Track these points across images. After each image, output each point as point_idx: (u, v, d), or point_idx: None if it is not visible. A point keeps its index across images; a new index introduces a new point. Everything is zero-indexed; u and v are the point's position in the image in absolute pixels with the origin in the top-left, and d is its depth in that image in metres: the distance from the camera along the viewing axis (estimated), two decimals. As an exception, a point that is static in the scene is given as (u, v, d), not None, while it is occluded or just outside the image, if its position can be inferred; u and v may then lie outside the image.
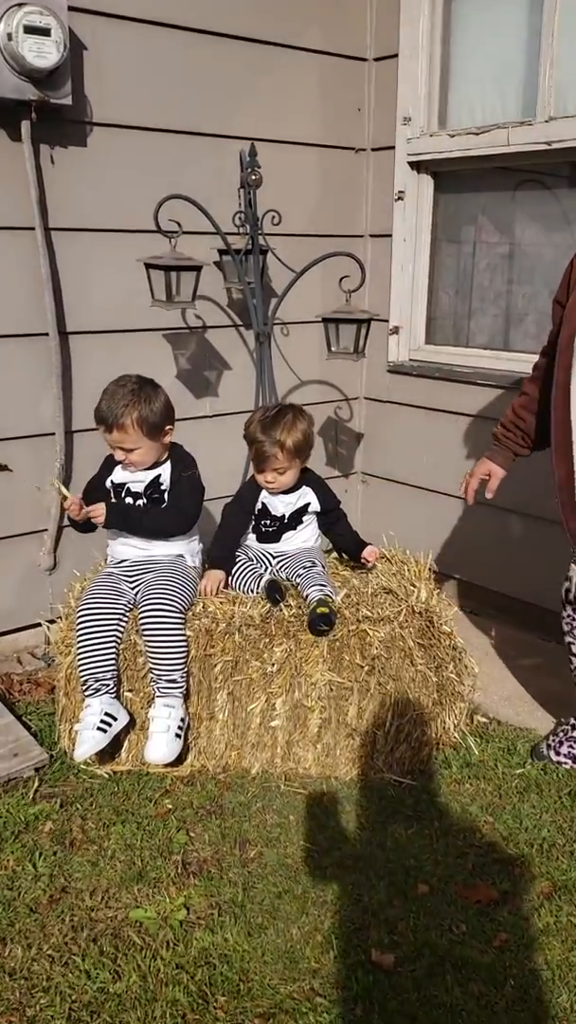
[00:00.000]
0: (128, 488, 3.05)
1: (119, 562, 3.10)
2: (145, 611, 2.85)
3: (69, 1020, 2.07)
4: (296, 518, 3.19)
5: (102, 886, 2.49)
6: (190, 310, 3.77)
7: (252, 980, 2.17)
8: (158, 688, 2.85)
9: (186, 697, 2.91)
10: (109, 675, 2.87)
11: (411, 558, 3.37)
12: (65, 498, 2.99)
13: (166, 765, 2.90)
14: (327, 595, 2.93)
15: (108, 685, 2.87)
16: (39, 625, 3.73)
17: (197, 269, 3.31)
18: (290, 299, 3.64)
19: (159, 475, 3.03)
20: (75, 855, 2.60)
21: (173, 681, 2.84)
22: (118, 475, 3.06)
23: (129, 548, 3.08)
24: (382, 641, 2.89)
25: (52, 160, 3.37)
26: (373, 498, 4.61)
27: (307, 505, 3.18)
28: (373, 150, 4.22)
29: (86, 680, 2.85)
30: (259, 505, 3.16)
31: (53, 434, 3.57)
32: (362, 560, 3.21)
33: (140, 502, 3.04)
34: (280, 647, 2.92)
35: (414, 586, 3.11)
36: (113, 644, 2.89)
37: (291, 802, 2.86)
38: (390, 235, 4.19)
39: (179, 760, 2.92)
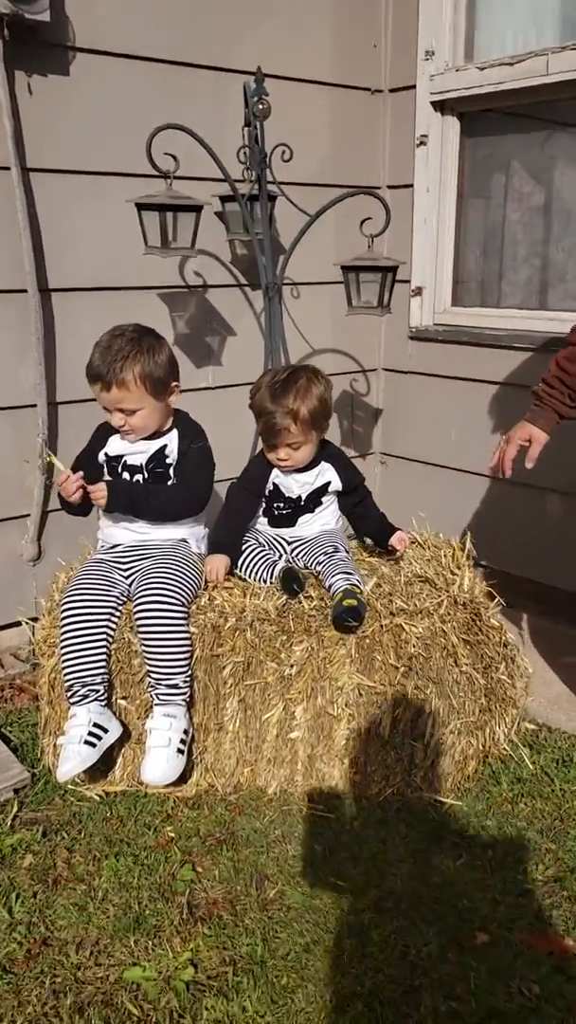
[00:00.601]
0: (126, 462, 2.61)
1: (112, 547, 2.66)
2: (141, 603, 2.41)
3: None
4: (314, 499, 2.75)
5: (91, 937, 2.05)
6: (190, 262, 3.34)
7: (277, 1064, 1.73)
8: (157, 695, 2.41)
9: (190, 706, 2.48)
10: (99, 680, 2.44)
11: (448, 543, 2.93)
12: (58, 473, 2.53)
13: (167, 785, 2.46)
14: (354, 584, 2.49)
15: (98, 692, 2.44)
16: (21, 623, 3.28)
17: (197, 209, 2.86)
18: (300, 257, 3.20)
19: (164, 445, 2.60)
20: (59, 896, 2.17)
21: (175, 687, 2.40)
22: (114, 446, 2.62)
23: (124, 531, 2.64)
24: (420, 638, 2.45)
25: (29, 89, 2.93)
26: (393, 480, 4.16)
27: (327, 484, 2.74)
28: (391, 91, 3.78)
29: (72, 686, 2.42)
30: (270, 486, 2.72)
31: (34, 405, 3.13)
32: (389, 548, 2.76)
33: (139, 478, 2.60)
34: (300, 646, 2.47)
35: (454, 574, 2.67)
36: (104, 643, 2.45)
37: (316, 828, 2.42)
38: (411, 185, 3.75)
39: (182, 779, 2.48)
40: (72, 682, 2.41)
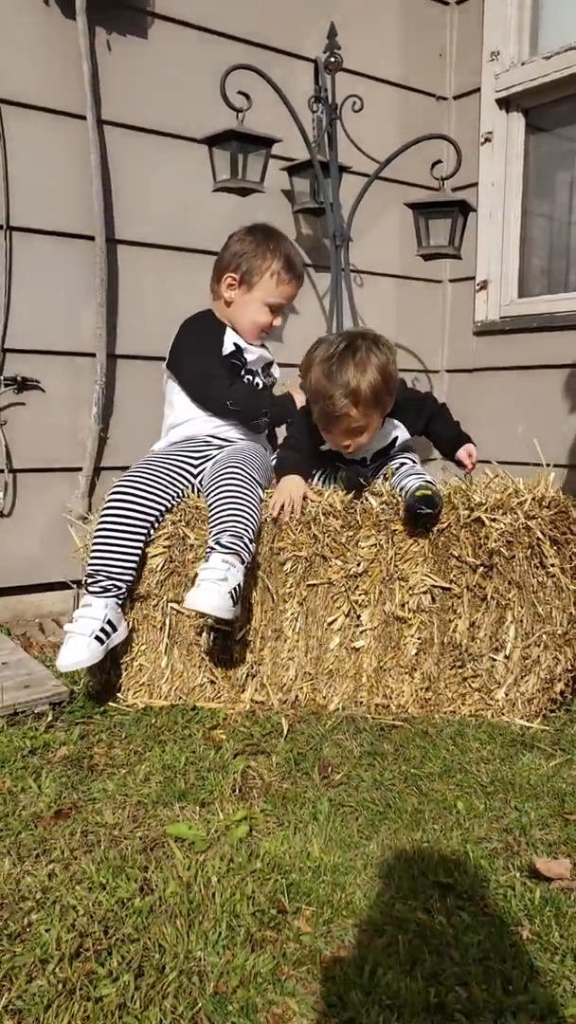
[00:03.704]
0: (247, 363, 2.55)
1: (183, 440, 2.50)
2: (221, 473, 2.26)
3: (72, 931, 1.33)
4: (382, 453, 2.51)
5: (130, 803, 1.77)
6: (255, 191, 3.28)
7: (350, 893, 1.43)
8: (218, 543, 2.13)
9: (247, 573, 2.18)
10: (127, 576, 2.22)
11: (522, 481, 2.72)
12: None
13: (216, 622, 2.20)
14: (428, 482, 2.29)
15: (120, 589, 2.21)
16: (68, 587, 3.10)
17: (268, 144, 2.86)
18: (364, 247, 3.15)
19: (272, 360, 2.63)
20: (96, 779, 1.90)
21: (239, 537, 2.13)
22: (227, 347, 2.51)
23: (205, 424, 2.50)
24: (502, 533, 2.22)
25: (108, 46, 3.02)
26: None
27: (394, 440, 2.51)
28: (455, 98, 3.86)
29: (96, 573, 2.19)
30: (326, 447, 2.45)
31: (94, 355, 3.05)
32: (456, 461, 2.56)
33: (258, 381, 2.57)
34: (367, 542, 2.26)
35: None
36: (144, 540, 2.25)
37: (385, 734, 2.13)
38: (476, 183, 3.76)
39: (230, 628, 2.23)
40: (99, 569, 2.20)
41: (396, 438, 2.52)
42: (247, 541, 2.14)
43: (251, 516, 2.18)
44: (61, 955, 1.28)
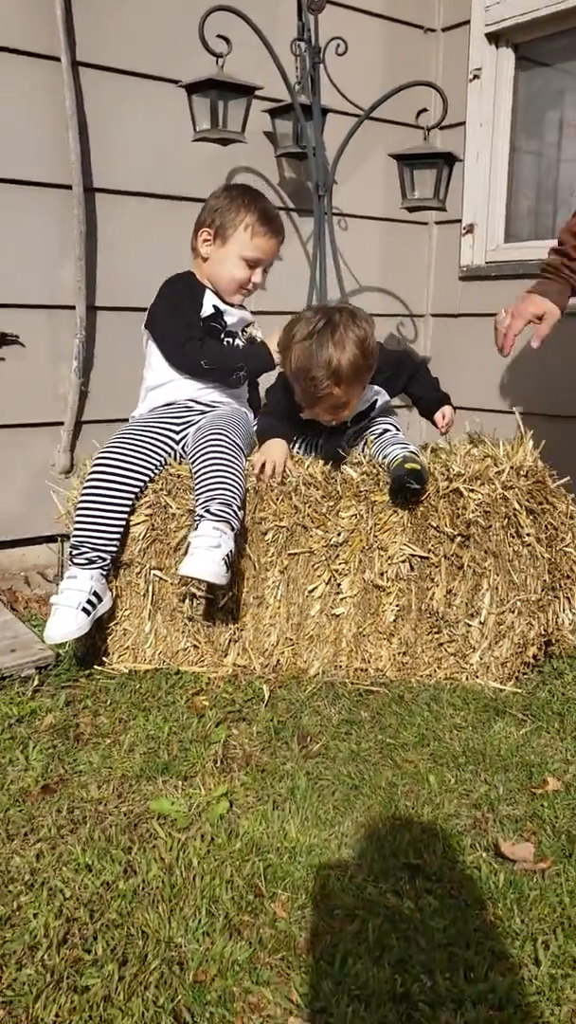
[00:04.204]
0: (226, 325, 2.55)
1: (164, 405, 2.50)
2: (205, 439, 2.28)
3: (59, 917, 1.40)
4: (361, 417, 2.50)
5: (115, 776, 1.84)
6: (237, 178, 3.25)
7: (324, 876, 1.50)
8: (208, 510, 2.15)
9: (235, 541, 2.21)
10: (112, 547, 2.25)
11: (503, 441, 2.73)
12: None
13: (210, 587, 2.25)
14: (413, 453, 2.31)
15: (105, 560, 2.24)
16: (52, 540, 3.12)
17: (248, 92, 2.78)
18: (350, 188, 3.09)
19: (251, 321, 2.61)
20: (81, 749, 1.96)
21: (228, 504, 2.16)
22: (206, 309, 2.51)
23: (185, 386, 2.49)
24: (480, 504, 2.25)
25: (82, -18, 2.90)
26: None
27: (374, 403, 2.49)
28: (444, 30, 3.74)
29: (81, 544, 2.22)
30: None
31: (73, 307, 3.02)
32: (434, 422, 2.57)
33: (238, 342, 2.57)
34: (348, 512, 2.29)
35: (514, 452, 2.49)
36: (128, 510, 2.27)
37: (363, 700, 2.20)
38: (463, 123, 3.67)
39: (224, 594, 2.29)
40: (84, 541, 2.22)
41: (376, 401, 2.51)
42: (235, 508, 2.17)
43: (238, 483, 2.21)
44: (49, 942, 1.35)
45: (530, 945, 1.34)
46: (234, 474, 2.21)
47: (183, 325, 2.44)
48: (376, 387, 2.46)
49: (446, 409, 2.55)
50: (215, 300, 2.50)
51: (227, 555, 2.10)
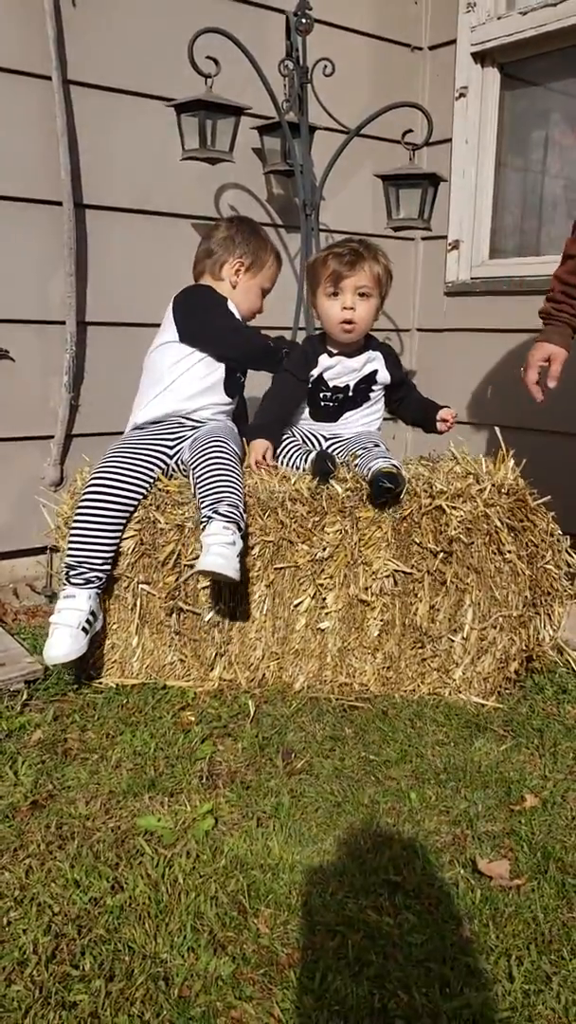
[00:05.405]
0: None
1: (154, 422, 2.54)
2: (202, 449, 2.35)
3: (48, 933, 1.44)
4: (362, 392, 2.63)
5: (103, 792, 1.87)
6: (226, 194, 3.30)
7: (306, 892, 1.54)
8: (216, 511, 2.21)
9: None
10: (108, 566, 2.30)
11: (484, 459, 2.78)
12: None
13: (184, 610, 2.29)
14: (393, 464, 2.36)
15: (101, 579, 2.29)
16: (41, 552, 3.16)
17: (237, 112, 2.82)
18: (335, 205, 3.13)
19: None
20: (69, 764, 1.99)
21: (235, 507, 2.22)
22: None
23: (184, 401, 2.54)
24: (462, 521, 2.30)
25: (74, 2, 2.93)
26: (428, 446, 4.03)
27: (374, 373, 2.62)
28: (431, 48, 3.79)
29: (79, 564, 2.26)
30: (317, 371, 2.58)
31: (63, 322, 3.05)
32: (437, 423, 2.66)
33: None
34: (333, 527, 2.34)
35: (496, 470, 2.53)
36: (123, 528, 2.32)
37: (347, 716, 2.24)
38: (449, 140, 3.72)
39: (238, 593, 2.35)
40: (81, 561, 2.26)
41: (376, 371, 2.63)
42: (241, 511, 2.23)
43: (240, 489, 2.29)
44: (39, 958, 1.39)
45: (504, 961, 1.38)
46: (237, 479, 2.29)
47: (233, 319, 2.58)
48: (379, 354, 2.63)
49: (452, 410, 2.68)
50: (235, 310, 2.63)
51: (240, 552, 2.17)
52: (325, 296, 2.51)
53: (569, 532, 2.73)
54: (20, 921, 1.48)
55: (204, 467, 2.31)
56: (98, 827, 1.75)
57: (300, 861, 1.62)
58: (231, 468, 2.31)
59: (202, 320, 2.54)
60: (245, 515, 2.27)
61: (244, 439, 2.55)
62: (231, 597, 2.37)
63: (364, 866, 1.61)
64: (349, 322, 2.48)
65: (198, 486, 2.29)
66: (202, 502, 2.26)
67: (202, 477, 2.29)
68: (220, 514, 2.20)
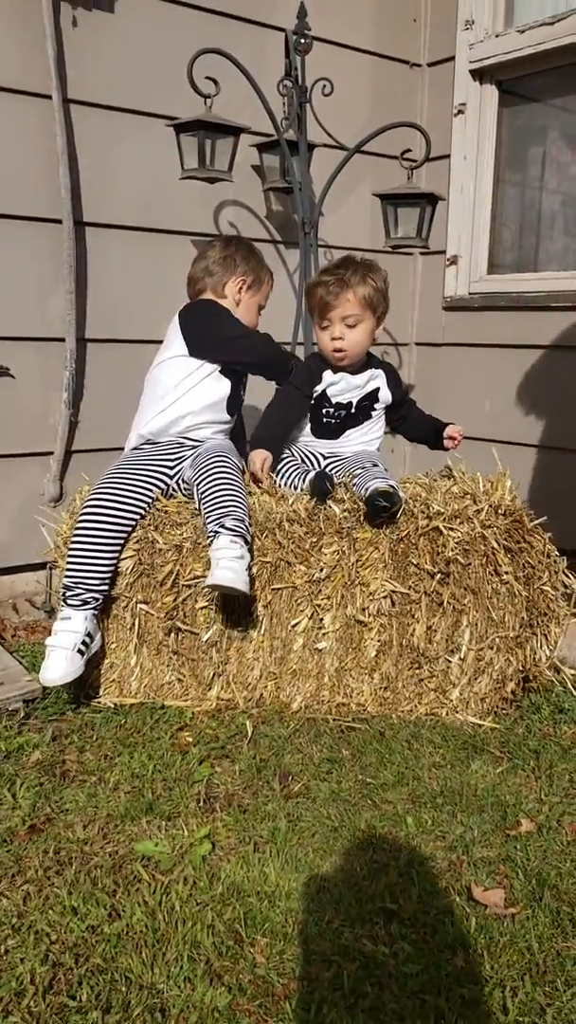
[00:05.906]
0: None
1: (153, 443, 2.55)
2: (205, 465, 2.37)
3: (46, 963, 1.45)
4: (364, 410, 2.65)
5: (100, 816, 1.88)
6: (225, 211, 3.32)
7: (302, 920, 1.55)
8: (222, 525, 2.23)
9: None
10: (105, 588, 2.31)
11: (481, 477, 2.79)
12: None
13: (182, 630, 2.30)
14: (391, 484, 2.36)
15: (98, 600, 2.30)
16: (41, 568, 3.16)
17: (235, 132, 2.84)
18: (333, 221, 3.15)
19: None
20: (67, 787, 2.00)
21: (241, 520, 2.25)
22: None
23: (187, 417, 2.55)
24: (459, 542, 2.31)
25: (74, 22, 2.95)
26: (426, 462, 4.04)
27: (376, 391, 2.64)
28: (429, 65, 3.80)
29: (76, 586, 2.27)
30: (320, 387, 2.61)
31: (63, 339, 3.06)
32: (444, 441, 2.70)
33: None
34: (330, 548, 2.35)
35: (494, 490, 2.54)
36: (120, 550, 2.33)
37: (344, 737, 2.25)
38: (448, 156, 3.73)
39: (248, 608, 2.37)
40: (78, 582, 2.27)
41: (379, 389, 2.67)
42: (247, 525, 2.26)
43: (245, 503, 2.32)
44: (36, 988, 1.39)
45: (499, 992, 1.39)
46: (240, 493, 2.32)
47: (245, 326, 2.60)
48: (381, 372, 2.67)
49: (458, 427, 2.73)
50: None
51: (248, 568, 2.19)
52: (317, 325, 2.57)
53: (568, 548, 2.76)
54: (18, 949, 1.48)
55: (208, 482, 2.33)
56: (96, 852, 1.76)
57: (297, 888, 1.63)
58: (235, 483, 2.34)
59: (216, 327, 2.55)
60: (251, 528, 2.29)
61: (247, 449, 2.60)
62: (229, 617, 2.37)
63: (360, 893, 1.62)
64: (339, 350, 2.53)
65: (203, 501, 2.31)
66: (207, 517, 2.27)
67: (206, 492, 2.31)
68: (227, 528, 2.22)
